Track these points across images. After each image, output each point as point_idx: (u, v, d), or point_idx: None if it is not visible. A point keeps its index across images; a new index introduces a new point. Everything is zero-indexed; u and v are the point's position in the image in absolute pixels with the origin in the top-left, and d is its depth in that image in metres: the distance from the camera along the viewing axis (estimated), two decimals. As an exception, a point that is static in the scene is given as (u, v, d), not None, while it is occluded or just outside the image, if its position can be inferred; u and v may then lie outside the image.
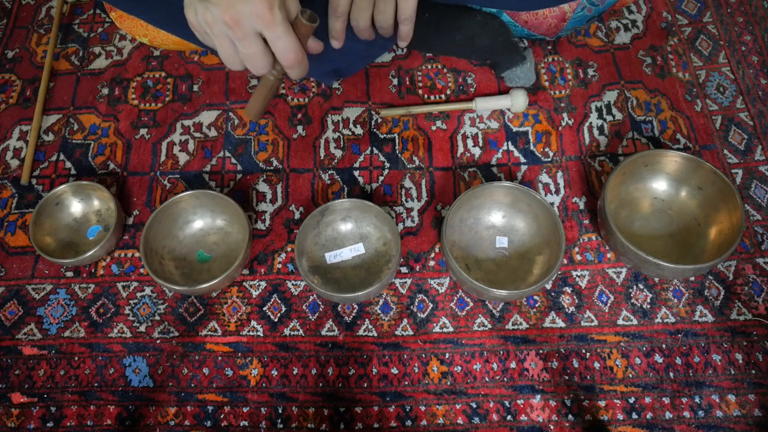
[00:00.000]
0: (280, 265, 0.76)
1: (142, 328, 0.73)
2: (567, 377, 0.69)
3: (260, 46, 0.52)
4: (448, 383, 0.69)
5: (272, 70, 0.56)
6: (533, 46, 0.89)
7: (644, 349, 0.70)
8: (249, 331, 0.73)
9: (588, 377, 0.69)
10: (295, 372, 0.71)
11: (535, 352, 0.70)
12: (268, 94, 0.60)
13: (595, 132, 0.82)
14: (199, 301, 0.75)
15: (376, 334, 0.72)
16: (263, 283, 0.75)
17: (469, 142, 0.83)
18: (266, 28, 0.50)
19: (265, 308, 0.74)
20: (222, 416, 0.69)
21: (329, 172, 0.82)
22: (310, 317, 0.73)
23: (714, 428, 0.66)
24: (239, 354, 0.72)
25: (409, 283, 0.75)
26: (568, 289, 0.73)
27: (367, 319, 0.73)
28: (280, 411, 0.69)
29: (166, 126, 0.86)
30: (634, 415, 0.67)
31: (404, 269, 0.76)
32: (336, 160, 0.83)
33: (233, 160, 0.83)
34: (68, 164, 0.84)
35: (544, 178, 0.80)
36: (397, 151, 0.83)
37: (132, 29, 0.86)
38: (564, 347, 0.71)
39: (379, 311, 0.73)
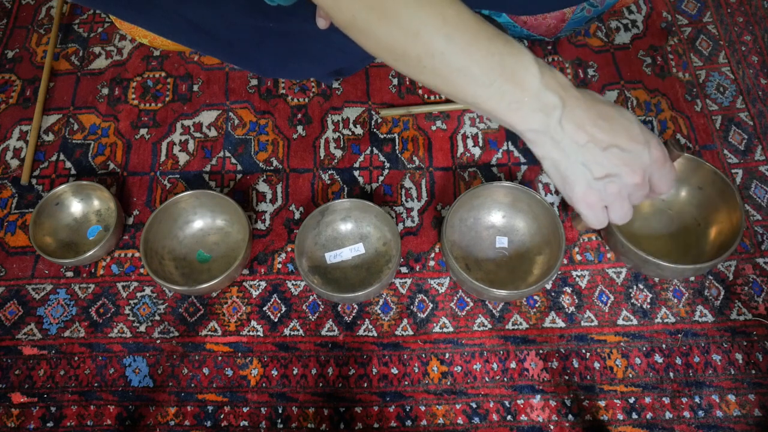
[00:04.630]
0: (280, 265, 0.76)
1: (142, 328, 0.73)
2: (567, 377, 0.69)
3: (648, 187, 0.51)
4: (448, 383, 0.69)
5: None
6: (533, 46, 0.89)
7: (644, 349, 0.70)
8: (249, 331, 0.73)
9: (588, 377, 0.69)
10: (295, 372, 0.71)
11: (535, 352, 0.70)
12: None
13: (595, 132, 0.82)
14: (199, 301, 0.75)
15: (376, 334, 0.72)
16: (263, 283, 0.75)
17: (469, 142, 0.83)
18: (660, 168, 0.49)
19: (265, 308, 0.74)
20: (222, 416, 0.69)
21: (329, 172, 0.82)
22: (310, 317, 0.73)
23: (714, 428, 0.66)
24: (239, 354, 0.72)
25: (409, 283, 0.75)
26: (568, 289, 0.73)
27: (367, 319, 0.73)
28: (280, 411, 0.69)
29: (166, 126, 0.86)
30: (634, 415, 0.67)
31: (404, 269, 0.76)
32: (336, 160, 0.83)
33: (233, 160, 0.83)
34: (68, 164, 0.84)
35: (544, 178, 0.80)
36: (397, 151, 0.83)
37: (132, 30, 0.86)
38: (564, 347, 0.71)
39: (379, 311, 0.73)
